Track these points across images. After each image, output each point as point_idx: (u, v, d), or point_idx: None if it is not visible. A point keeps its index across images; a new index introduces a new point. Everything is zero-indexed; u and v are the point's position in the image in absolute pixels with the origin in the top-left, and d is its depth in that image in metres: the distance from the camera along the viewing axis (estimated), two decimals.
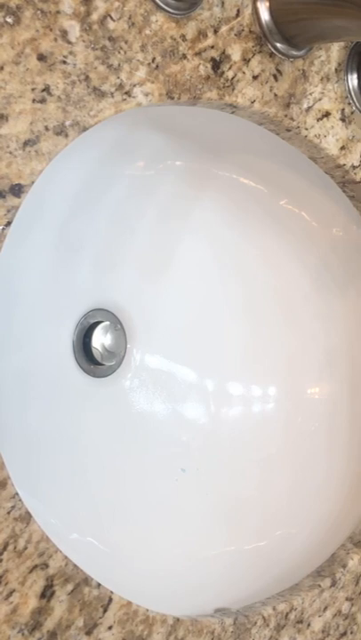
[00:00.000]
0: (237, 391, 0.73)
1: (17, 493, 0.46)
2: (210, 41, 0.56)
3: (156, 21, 0.53)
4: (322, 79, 0.64)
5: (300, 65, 0.62)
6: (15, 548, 0.47)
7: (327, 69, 0.64)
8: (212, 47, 0.56)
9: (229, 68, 0.57)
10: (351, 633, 0.66)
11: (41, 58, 0.47)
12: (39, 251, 0.61)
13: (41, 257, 0.62)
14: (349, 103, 0.66)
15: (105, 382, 0.67)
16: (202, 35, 0.55)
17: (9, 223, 0.46)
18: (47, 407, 0.63)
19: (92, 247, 0.65)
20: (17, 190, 0.46)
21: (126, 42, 0.51)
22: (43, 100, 0.47)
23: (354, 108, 0.66)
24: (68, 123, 0.48)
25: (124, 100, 0.51)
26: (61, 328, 0.65)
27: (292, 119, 0.62)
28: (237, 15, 0.57)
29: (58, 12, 0.48)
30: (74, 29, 0.49)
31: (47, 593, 0.48)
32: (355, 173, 0.67)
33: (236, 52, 0.57)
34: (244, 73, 0.58)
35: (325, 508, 0.71)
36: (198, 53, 0.55)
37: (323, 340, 0.74)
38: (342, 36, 0.60)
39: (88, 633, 0.50)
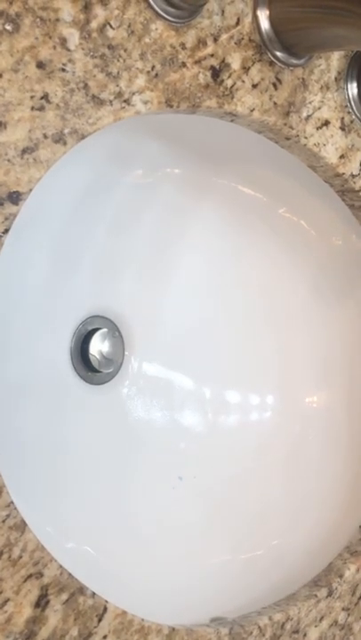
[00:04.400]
0: (235, 399, 0.73)
1: (12, 502, 0.46)
2: (209, 49, 0.56)
3: (156, 29, 0.53)
4: (321, 88, 0.64)
5: (300, 73, 0.62)
6: (10, 556, 0.46)
7: (327, 78, 0.64)
8: (212, 55, 0.56)
9: (229, 77, 0.57)
10: None
11: (40, 65, 0.47)
12: (37, 258, 0.61)
13: (39, 264, 0.62)
14: (349, 112, 0.66)
15: (102, 389, 0.67)
16: (201, 43, 0.55)
17: (6, 230, 0.46)
18: (44, 414, 0.63)
19: (91, 254, 0.65)
20: (15, 198, 0.46)
21: (125, 50, 0.51)
22: (41, 108, 0.47)
23: (353, 116, 0.66)
24: (66, 130, 0.48)
25: (123, 107, 0.51)
26: (59, 335, 0.65)
27: (291, 127, 0.62)
28: (237, 24, 0.57)
29: (57, 20, 0.48)
30: (73, 37, 0.49)
31: (42, 602, 0.48)
32: (354, 182, 0.67)
33: (235, 61, 0.57)
34: (243, 81, 0.58)
35: (322, 517, 0.71)
36: (198, 62, 0.55)
37: (321, 349, 0.74)
38: (342, 44, 0.60)
39: None
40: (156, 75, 0.53)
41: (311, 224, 0.72)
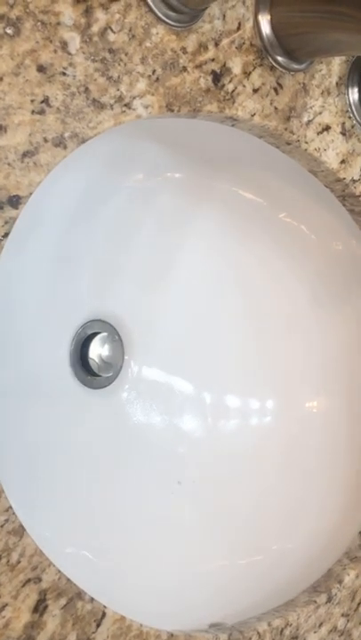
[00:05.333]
0: (235, 404, 0.73)
1: (11, 506, 0.46)
2: (210, 54, 0.56)
3: (157, 34, 0.53)
4: (322, 93, 0.64)
5: (301, 78, 0.62)
6: (8, 561, 0.46)
7: (328, 83, 0.64)
8: (213, 60, 0.56)
9: (230, 81, 0.57)
10: None
11: (40, 69, 0.47)
12: (37, 262, 0.61)
13: (39, 268, 0.62)
14: (350, 117, 0.66)
15: (102, 394, 0.67)
16: (202, 47, 0.55)
17: (6, 234, 0.46)
18: (43, 418, 0.62)
19: (91, 258, 0.65)
20: (15, 201, 0.46)
21: (126, 54, 0.51)
22: (42, 112, 0.47)
23: (354, 121, 0.66)
24: (67, 134, 0.48)
25: (124, 112, 0.51)
26: (59, 339, 0.65)
27: (292, 132, 0.62)
28: (238, 28, 0.57)
29: (58, 24, 0.48)
30: (74, 41, 0.48)
31: (40, 607, 0.48)
32: (354, 187, 0.67)
33: (236, 65, 0.57)
34: (244, 86, 0.58)
35: (322, 522, 0.71)
36: (199, 66, 0.55)
37: (321, 353, 0.74)
38: (343, 50, 0.60)
39: None
40: (157, 79, 0.53)
41: (312, 229, 0.72)
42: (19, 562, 0.47)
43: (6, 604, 0.46)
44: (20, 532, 0.46)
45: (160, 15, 0.52)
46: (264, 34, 0.58)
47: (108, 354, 0.67)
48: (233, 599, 0.64)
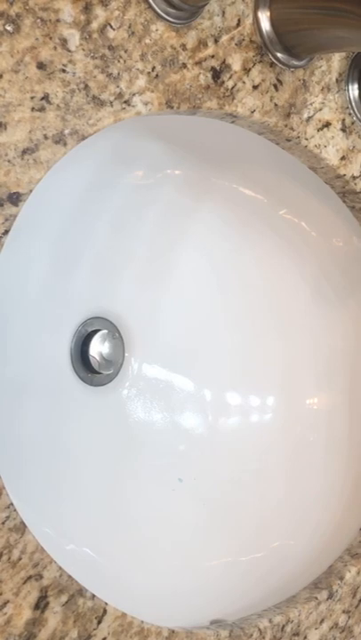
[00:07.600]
0: (235, 401, 0.73)
1: (12, 503, 0.46)
2: (210, 50, 0.56)
3: (157, 30, 0.53)
4: (322, 89, 0.63)
5: (301, 75, 0.62)
6: (9, 558, 0.46)
7: (328, 79, 0.64)
8: (213, 57, 0.56)
9: (230, 78, 0.57)
10: None
11: (40, 66, 0.47)
12: (37, 259, 0.61)
13: (39, 265, 0.61)
14: (350, 113, 0.66)
15: (102, 391, 0.67)
16: (202, 44, 0.55)
17: (6, 231, 0.46)
18: (44, 415, 0.62)
19: (91, 255, 0.65)
20: (15, 199, 0.46)
21: (126, 51, 0.51)
22: (42, 109, 0.47)
23: (354, 118, 0.66)
24: (66, 131, 0.48)
25: (124, 108, 0.51)
26: (59, 336, 0.65)
27: (292, 129, 0.62)
28: (238, 25, 0.57)
29: (58, 21, 0.48)
30: (74, 38, 0.48)
31: (41, 604, 0.48)
32: (355, 184, 0.67)
33: (236, 62, 0.57)
34: (244, 82, 0.58)
35: (323, 519, 0.71)
36: (198, 63, 0.55)
37: (322, 350, 0.74)
38: (343, 46, 0.60)
39: None
40: (157, 76, 0.53)
41: (312, 225, 0.72)
42: (20, 559, 0.47)
43: (7, 601, 0.46)
44: (21, 528, 0.46)
45: (160, 12, 0.52)
46: (264, 30, 0.58)
47: (109, 351, 0.67)
48: (234, 596, 0.64)
